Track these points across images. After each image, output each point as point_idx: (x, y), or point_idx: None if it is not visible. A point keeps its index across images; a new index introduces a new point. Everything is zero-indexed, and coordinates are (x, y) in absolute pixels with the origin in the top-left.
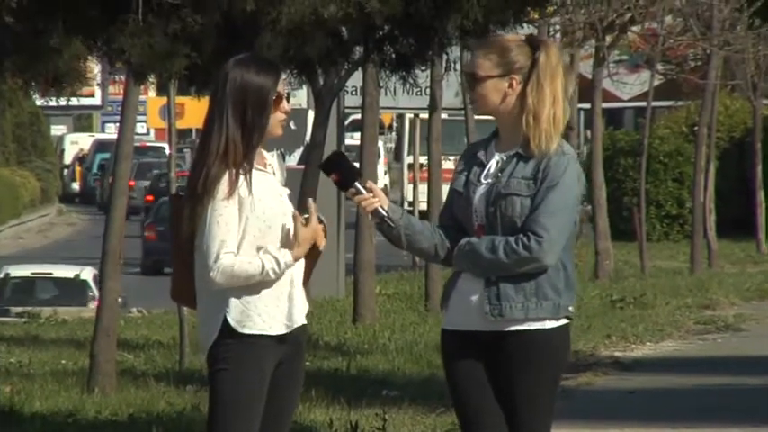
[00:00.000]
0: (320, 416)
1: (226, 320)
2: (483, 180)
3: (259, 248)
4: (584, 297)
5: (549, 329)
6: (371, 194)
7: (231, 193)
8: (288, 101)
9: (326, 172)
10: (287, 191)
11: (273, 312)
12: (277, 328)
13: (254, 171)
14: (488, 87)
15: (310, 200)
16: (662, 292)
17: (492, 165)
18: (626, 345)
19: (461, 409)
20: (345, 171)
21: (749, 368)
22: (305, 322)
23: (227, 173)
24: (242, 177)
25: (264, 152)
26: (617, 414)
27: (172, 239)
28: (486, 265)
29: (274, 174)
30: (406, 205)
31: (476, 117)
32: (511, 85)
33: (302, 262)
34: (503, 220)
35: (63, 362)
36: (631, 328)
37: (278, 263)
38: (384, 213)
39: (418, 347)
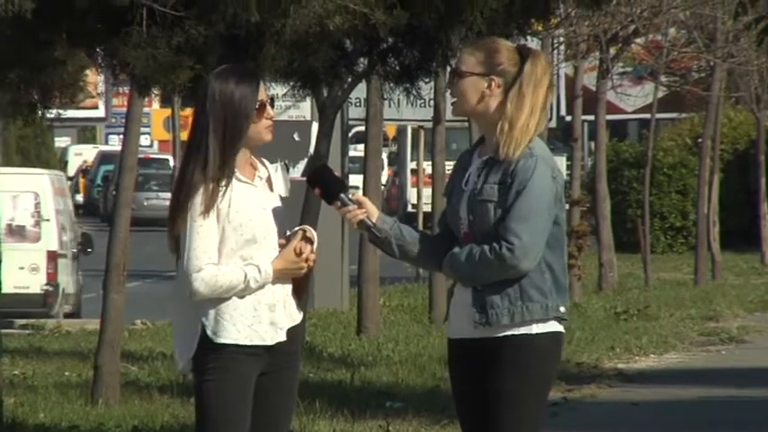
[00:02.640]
0: (324, 427)
1: (204, 331)
2: (464, 187)
3: (240, 260)
4: (588, 309)
5: (535, 334)
6: (357, 206)
7: (209, 204)
8: (272, 106)
9: (311, 186)
10: (275, 203)
11: (250, 323)
12: (254, 338)
13: (236, 183)
14: (468, 84)
15: (304, 228)
16: (666, 303)
17: (472, 171)
18: (630, 357)
19: (460, 418)
20: (330, 184)
21: (753, 380)
22: (284, 338)
23: (203, 185)
24: (221, 189)
25: (261, 164)
26: (620, 426)
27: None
28: (467, 275)
29: (271, 189)
30: (410, 207)
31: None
32: (489, 86)
33: (276, 288)
34: (481, 226)
35: (67, 374)
36: (635, 339)
37: (260, 272)
38: (370, 224)
39: (422, 359)
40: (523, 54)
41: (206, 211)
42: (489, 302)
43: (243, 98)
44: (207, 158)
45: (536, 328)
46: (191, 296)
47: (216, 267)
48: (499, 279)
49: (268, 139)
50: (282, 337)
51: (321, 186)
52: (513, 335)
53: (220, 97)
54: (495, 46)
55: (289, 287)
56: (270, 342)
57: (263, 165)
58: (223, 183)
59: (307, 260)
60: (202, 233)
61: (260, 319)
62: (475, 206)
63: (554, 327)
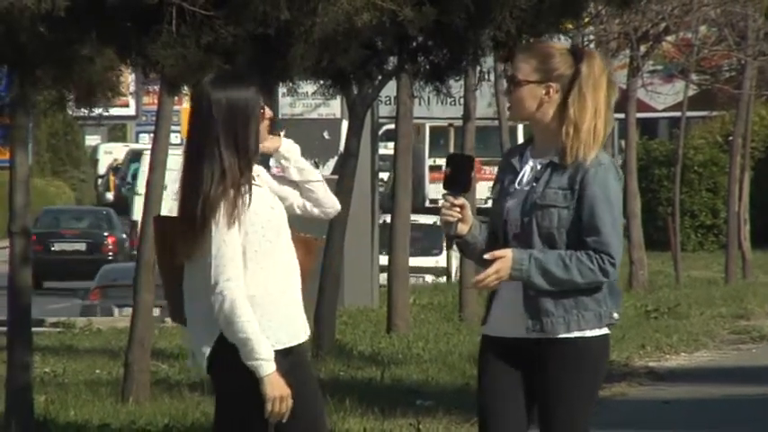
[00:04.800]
0: (354, 425)
1: (222, 336)
2: (517, 187)
3: (261, 260)
4: None
5: (588, 337)
6: (460, 209)
7: (233, 213)
8: (265, 109)
9: (448, 162)
10: (277, 201)
11: (269, 328)
12: (286, 340)
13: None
14: (525, 92)
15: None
16: (696, 302)
17: (526, 171)
18: (660, 355)
19: (482, 412)
20: (460, 176)
21: None
22: (302, 341)
23: (225, 195)
24: (242, 196)
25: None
26: (651, 424)
27: (158, 262)
28: (557, 282)
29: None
30: (428, 203)
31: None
32: (548, 93)
33: (298, 281)
34: (540, 230)
35: (97, 371)
36: (666, 338)
37: (267, 358)
38: (451, 233)
39: (452, 357)
40: (578, 56)
41: (232, 221)
42: (543, 309)
43: (250, 103)
44: (223, 167)
45: (589, 332)
46: (214, 303)
47: (243, 293)
48: (582, 287)
49: (264, 143)
50: (300, 339)
51: (452, 171)
52: (566, 338)
53: (227, 104)
54: (549, 51)
55: (299, 292)
56: (290, 344)
57: None
58: (243, 190)
59: None
60: (229, 243)
61: (279, 321)
62: (534, 209)
63: (604, 330)
